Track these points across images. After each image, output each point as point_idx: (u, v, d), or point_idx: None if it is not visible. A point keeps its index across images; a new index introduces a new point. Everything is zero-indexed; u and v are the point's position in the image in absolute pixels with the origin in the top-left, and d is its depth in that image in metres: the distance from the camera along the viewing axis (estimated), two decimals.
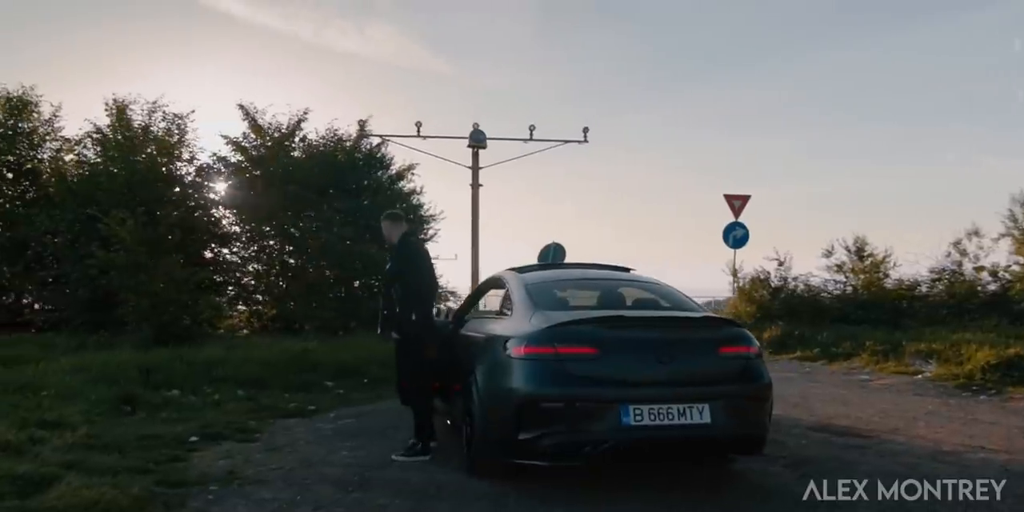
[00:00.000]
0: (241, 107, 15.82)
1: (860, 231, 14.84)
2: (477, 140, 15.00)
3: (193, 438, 5.75)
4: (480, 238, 16.17)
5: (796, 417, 7.18)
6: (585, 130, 15.58)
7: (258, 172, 15.53)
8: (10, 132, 15.47)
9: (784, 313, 14.06)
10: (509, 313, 4.93)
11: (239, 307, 15.94)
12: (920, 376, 9.63)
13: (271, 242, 15.60)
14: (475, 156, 15.30)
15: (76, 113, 38.24)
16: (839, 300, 14.24)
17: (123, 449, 5.09)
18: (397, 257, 5.71)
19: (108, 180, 13.57)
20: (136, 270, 10.56)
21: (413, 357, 5.44)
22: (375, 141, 16.51)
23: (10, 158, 15.57)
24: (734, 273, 15.36)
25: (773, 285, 14.82)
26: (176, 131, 15.41)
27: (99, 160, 14.94)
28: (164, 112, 15.31)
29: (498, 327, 4.82)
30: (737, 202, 16.85)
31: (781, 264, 14.80)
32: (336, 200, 15.30)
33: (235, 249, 15.43)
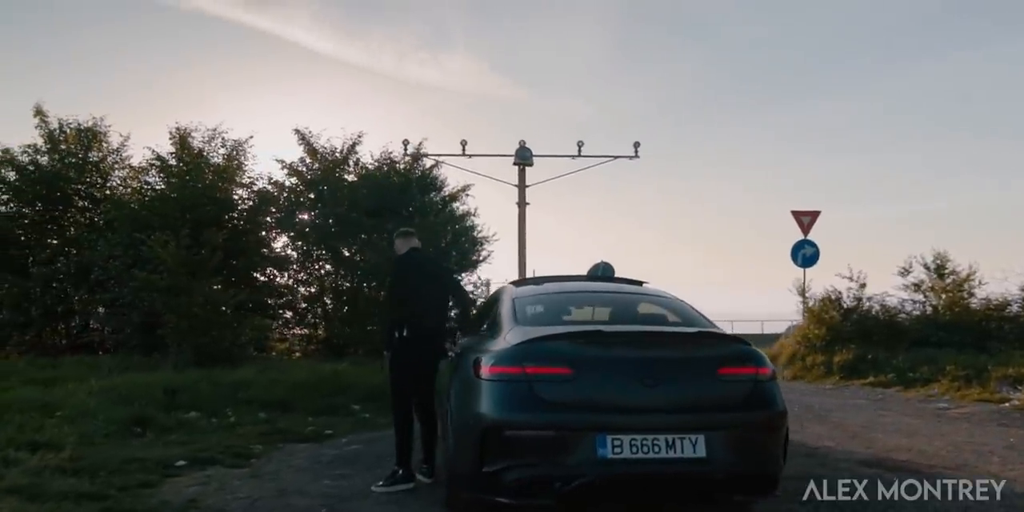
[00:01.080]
0: (297, 132, 16.00)
1: (943, 249, 13.65)
2: (523, 157, 14.60)
3: (180, 462, 5.48)
4: (530, 257, 15.75)
5: (850, 449, 6.41)
6: (636, 145, 15.00)
7: (312, 196, 15.63)
8: (81, 162, 16.11)
9: (857, 335, 13.03)
10: (494, 329, 4.49)
11: (294, 330, 15.98)
12: (1007, 404, 8.66)
13: (325, 266, 15.60)
14: (522, 174, 14.91)
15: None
16: (918, 321, 13.10)
17: (96, 473, 4.86)
18: (390, 277, 5.45)
19: (162, 204, 13.87)
20: (176, 292, 10.62)
21: (392, 378, 5.09)
22: (428, 163, 16.43)
23: (81, 187, 16.20)
24: (801, 292, 14.40)
25: (845, 305, 13.78)
26: (234, 156, 15.82)
27: (161, 187, 15.33)
28: (223, 138, 15.67)
29: (478, 345, 4.37)
30: (806, 218, 15.97)
31: (864, 286, 13.71)
32: (387, 222, 15.19)
33: (289, 273, 15.48)
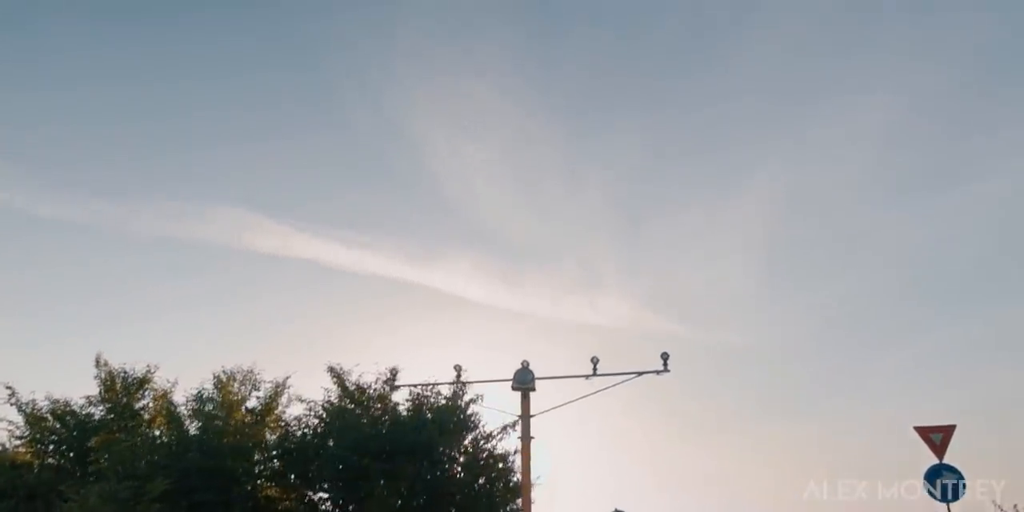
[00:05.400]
0: (331, 369, 15.14)
1: None
2: (522, 382, 11.95)
3: None
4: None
5: None
6: (664, 356, 12.12)
7: (330, 442, 14.12)
8: (124, 409, 15.92)
9: None
10: None
11: None
12: None
13: None
14: (524, 400, 12.20)
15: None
16: None
17: None
18: None
19: (152, 452, 13.02)
20: None
21: None
22: (467, 398, 14.59)
23: (121, 436, 15.78)
24: None
25: None
26: (273, 398, 15.48)
27: (195, 433, 14.71)
28: (254, 382, 15.47)
29: None
30: (936, 436, 12.04)
31: None
32: (411, 466, 13.16)
33: None
